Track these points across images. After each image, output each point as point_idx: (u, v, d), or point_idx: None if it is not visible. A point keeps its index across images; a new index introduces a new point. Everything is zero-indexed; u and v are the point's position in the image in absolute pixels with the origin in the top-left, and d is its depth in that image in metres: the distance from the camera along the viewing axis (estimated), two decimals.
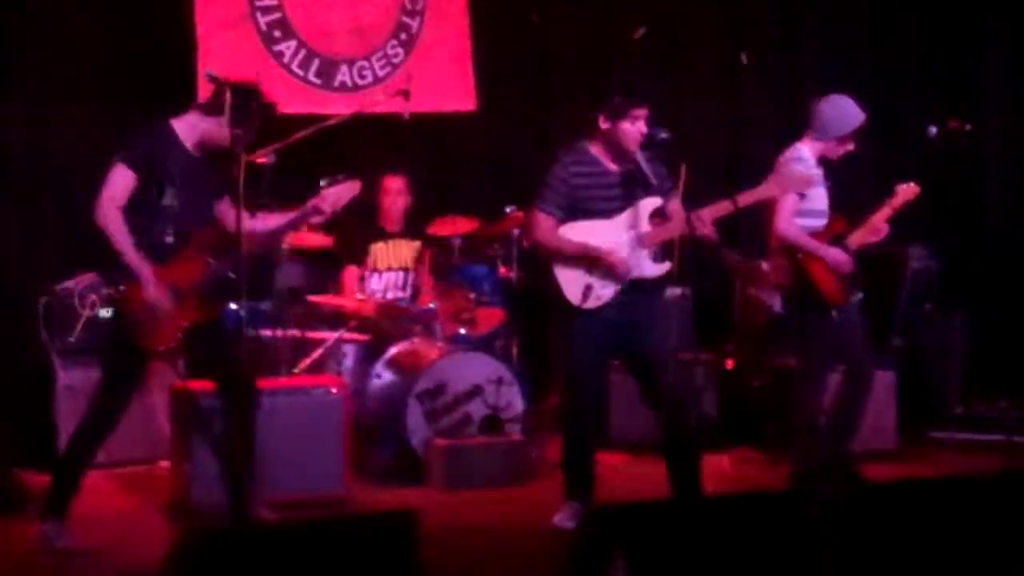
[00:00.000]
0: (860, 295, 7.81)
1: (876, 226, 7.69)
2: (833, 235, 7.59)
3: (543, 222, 7.06)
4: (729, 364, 9.49)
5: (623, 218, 7.03)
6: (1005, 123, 10.60)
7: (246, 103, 6.70)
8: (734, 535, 5.12)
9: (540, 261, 7.21)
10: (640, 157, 6.99)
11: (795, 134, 7.73)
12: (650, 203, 7.01)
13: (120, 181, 6.54)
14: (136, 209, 6.56)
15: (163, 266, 6.59)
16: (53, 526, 6.67)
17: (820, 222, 7.60)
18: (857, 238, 7.63)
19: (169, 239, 6.64)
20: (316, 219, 7.04)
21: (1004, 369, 9.99)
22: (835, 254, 7.52)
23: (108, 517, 7.33)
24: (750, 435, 9.01)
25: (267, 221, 6.87)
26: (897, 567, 5.22)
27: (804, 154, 7.54)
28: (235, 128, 6.65)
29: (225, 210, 6.87)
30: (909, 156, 8.74)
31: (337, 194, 6.88)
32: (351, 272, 9.14)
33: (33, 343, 8.54)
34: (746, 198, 7.01)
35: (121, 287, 6.55)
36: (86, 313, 8.46)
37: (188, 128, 6.75)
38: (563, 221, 7.03)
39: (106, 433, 6.79)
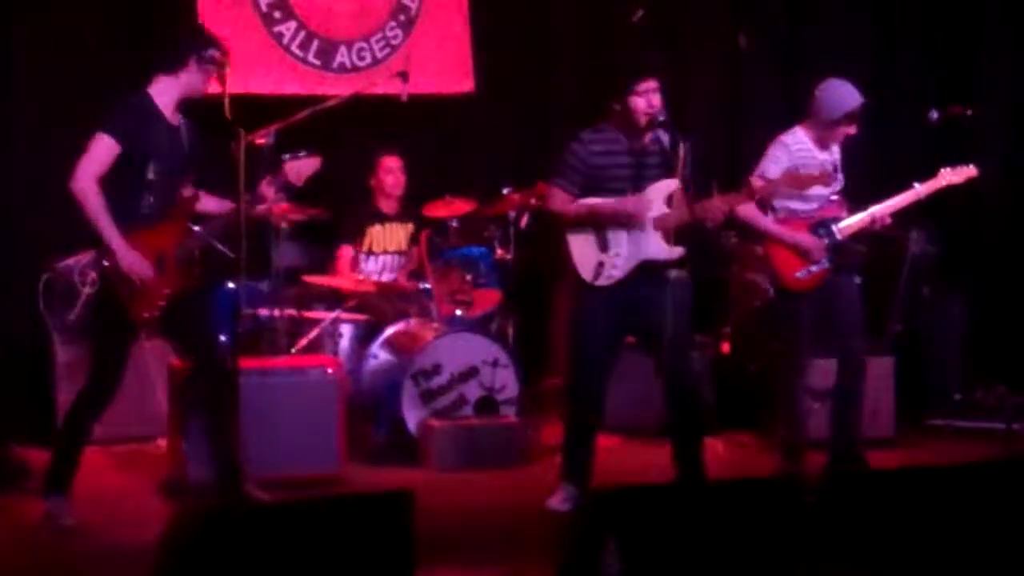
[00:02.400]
0: (857, 280, 7.81)
1: (885, 211, 7.61)
2: (819, 220, 7.56)
3: (558, 194, 7.02)
4: (725, 348, 9.49)
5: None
6: (1006, 108, 10.59)
7: (204, 45, 6.71)
8: (729, 521, 5.12)
9: (555, 237, 7.18)
10: (664, 137, 6.89)
11: (794, 116, 7.72)
12: (666, 185, 6.89)
13: (102, 151, 6.53)
14: (121, 182, 6.57)
15: (146, 232, 6.61)
16: (56, 503, 6.70)
17: (808, 206, 7.55)
18: (854, 224, 7.59)
19: (152, 211, 6.65)
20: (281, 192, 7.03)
21: (1003, 356, 9.98)
22: (799, 238, 7.49)
23: (105, 494, 7.35)
24: (746, 419, 9.01)
25: (209, 203, 6.95)
26: (894, 555, 5.23)
27: (790, 138, 7.53)
28: (206, 71, 6.69)
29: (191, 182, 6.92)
30: (910, 141, 8.72)
31: (298, 168, 6.89)
32: (346, 251, 9.16)
33: (33, 320, 8.54)
34: (764, 189, 7.00)
35: (105, 261, 6.55)
36: (86, 291, 8.37)
37: (162, 94, 6.73)
38: (578, 198, 6.98)
39: (101, 408, 6.80)
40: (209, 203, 6.98)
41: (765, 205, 7.54)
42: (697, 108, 10.17)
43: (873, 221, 7.61)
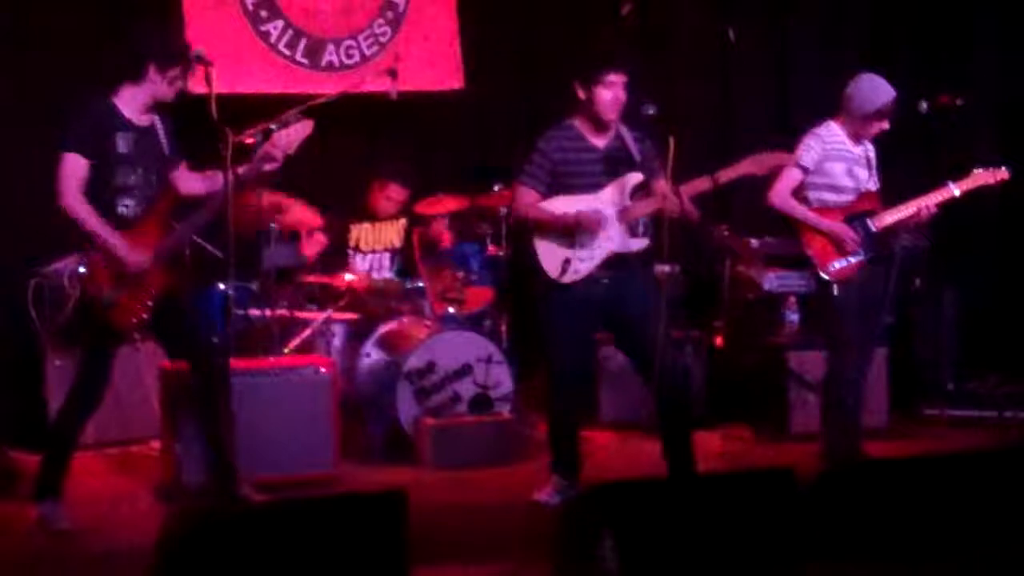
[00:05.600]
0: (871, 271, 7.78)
1: (921, 207, 7.61)
2: (853, 212, 7.56)
3: (524, 195, 7.07)
4: (718, 341, 9.49)
5: (605, 193, 7.01)
6: (996, 97, 10.59)
7: (164, 57, 6.66)
8: (724, 513, 5.12)
9: (522, 235, 7.20)
10: (625, 133, 6.98)
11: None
12: (633, 178, 6.99)
13: (74, 169, 6.53)
14: (95, 191, 6.55)
15: (127, 235, 6.59)
16: (50, 507, 6.69)
17: (842, 197, 7.57)
18: (889, 218, 7.59)
19: (130, 213, 6.63)
20: (271, 166, 6.90)
21: (995, 345, 9.99)
22: (832, 226, 7.49)
23: (99, 498, 7.33)
24: (739, 413, 9.01)
25: (216, 179, 6.82)
26: (889, 543, 5.24)
27: (824, 130, 7.56)
28: (171, 81, 6.65)
29: (178, 176, 6.86)
30: (899, 131, 8.69)
31: (287, 137, 6.82)
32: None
33: (23, 324, 8.51)
34: (726, 174, 6.99)
35: (81, 268, 6.54)
36: (76, 294, 8.42)
37: (128, 101, 6.70)
38: (545, 196, 7.03)
39: (90, 411, 6.81)
40: (194, 183, 6.92)
41: (799, 196, 7.58)
42: (686, 101, 10.15)
43: (909, 217, 7.60)
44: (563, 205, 7.00)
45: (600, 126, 7.04)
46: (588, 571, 4.88)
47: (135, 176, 6.65)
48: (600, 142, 7.06)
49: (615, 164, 7.02)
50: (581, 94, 7.01)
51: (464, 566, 6.06)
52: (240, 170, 6.74)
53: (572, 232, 6.96)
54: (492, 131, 10.28)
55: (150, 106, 6.72)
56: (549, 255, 7.01)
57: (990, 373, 9.57)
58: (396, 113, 9.03)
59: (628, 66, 7.01)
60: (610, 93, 6.93)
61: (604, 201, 6.99)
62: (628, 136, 6.98)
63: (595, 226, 6.91)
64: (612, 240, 6.97)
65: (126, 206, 6.63)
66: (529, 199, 7.04)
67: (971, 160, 7.84)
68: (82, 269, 6.57)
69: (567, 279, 6.98)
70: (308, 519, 4.86)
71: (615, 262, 6.99)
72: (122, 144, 6.63)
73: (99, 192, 6.57)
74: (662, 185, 6.96)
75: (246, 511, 5.67)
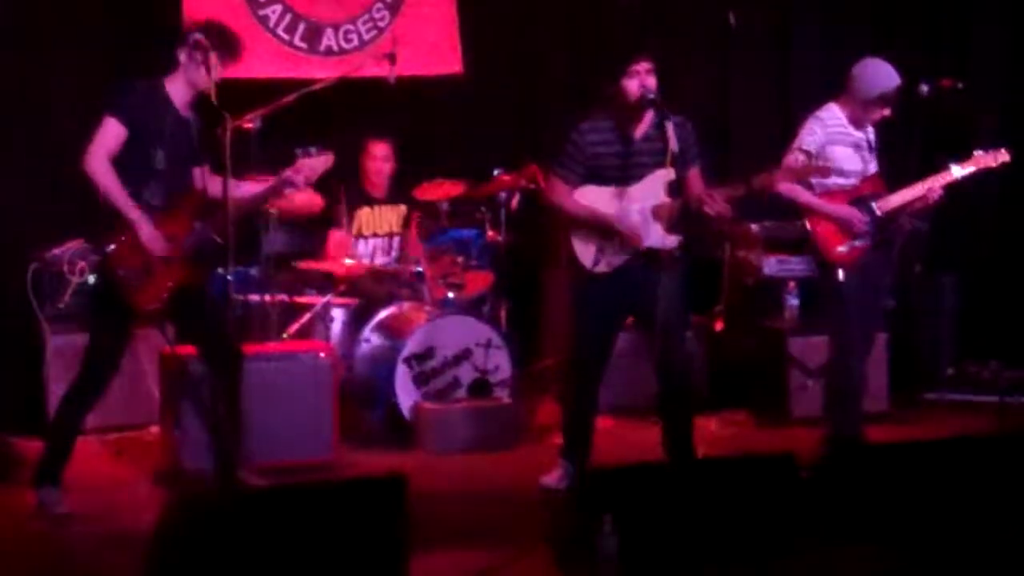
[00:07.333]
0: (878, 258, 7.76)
1: (926, 190, 7.60)
2: (857, 196, 7.53)
3: (558, 186, 7.07)
4: (718, 326, 9.48)
5: (637, 188, 6.95)
6: (997, 81, 10.57)
7: (187, 34, 6.69)
8: (724, 498, 5.12)
9: (549, 222, 7.20)
10: (666, 121, 6.88)
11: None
12: (666, 174, 6.89)
13: (110, 133, 6.52)
14: (127, 170, 6.53)
15: (157, 221, 6.57)
16: (49, 492, 6.69)
17: (847, 181, 7.52)
18: (893, 201, 7.56)
19: (158, 202, 6.61)
20: (290, 191, 6.97)
21: (995, 330, 9.98)
22: (839, 210, 7.46)
23: (98, 483, 7.33)
24: (739, 397, 9.01)
25: (240, 190, 6.83)
26: (890, 527, 5.23)
27: (825, 113, 7.51)
28: (199, 61, 6.64)
29: (202, 175, 6.85)
30: (900, 115, 8.68)
31: (311, 166, 6.84)
32: (337, 236, 9.13)
33: (22, 310, 8.51)
34: (759, 182, 6.97)
35: (109, 247, 6.52)
36: (75, 279, 8.44)
37: (176, 89, 6.71)
38: (579, 186, 7.02)
39: (94, 398, 6.80)
40: (244, 188, 6.93)
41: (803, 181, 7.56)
42: (686, 86, 10.12)
43: (914, 199, 7.58)
44: (595, 195, 6.98)
45: (633, 117, 7.00)
46: (588, 556, 4.88)
47: (166, 164, 6.63)
48: (634, 133, 7.00)
49: (649, 156, 6.94)
50: (609, 90, 6.97)
51: (464, 551, 6.06)
52: (259, 191, 6.84)
53: (605, 226, 6.96)
54: (491, 116, 10.25)
55: (193, 97, 6.74)
56: (583, 246, 7.00)
57: (990, 358, 9.56)
58: (395, 98, 9.01)
59: (651, 52, 6.97)
60: (635, 82, 6.88)
61: (636, 196, 6.94)
62: (668, 123, 6.83)
63: (635, 241, 6.91)
64: (647, 236, 6.93)
65: (151, 191, 6.62)
66: (562, 190, 7.04)
67: (972, 144, 7.82)
68: (112, 246, 6.53)
69: (600, 270, 6.99)
70: (308, 504, 4.86)
71: (647, 257, 6.95)
72: (164, 129, 6.62)
73: (132, 171, 6.55)
74: (697, 176, 7.03)
75: (245, 496, 5.66)
